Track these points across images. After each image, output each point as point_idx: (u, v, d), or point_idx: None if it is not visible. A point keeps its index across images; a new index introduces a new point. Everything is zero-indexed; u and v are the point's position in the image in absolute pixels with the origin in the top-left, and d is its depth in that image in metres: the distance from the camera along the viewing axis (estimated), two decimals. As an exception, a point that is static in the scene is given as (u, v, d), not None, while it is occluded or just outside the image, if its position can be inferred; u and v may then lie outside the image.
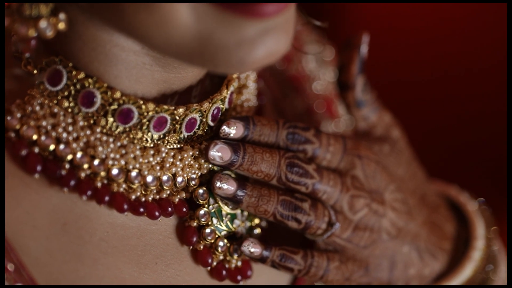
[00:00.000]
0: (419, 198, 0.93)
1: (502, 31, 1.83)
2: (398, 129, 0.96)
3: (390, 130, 0.95)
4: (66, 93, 0.74)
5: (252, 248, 0.82)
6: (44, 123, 0.74)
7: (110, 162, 0.75)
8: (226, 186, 0.80)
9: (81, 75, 0.74)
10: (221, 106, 0.81)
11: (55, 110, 0.74)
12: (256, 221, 0.84)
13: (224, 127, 0.80)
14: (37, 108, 0.74)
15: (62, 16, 0.71)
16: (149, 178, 0.76)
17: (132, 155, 0.75)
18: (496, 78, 1.90)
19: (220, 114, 0.81)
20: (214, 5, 0.67)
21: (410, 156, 0.95)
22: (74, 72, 0.74)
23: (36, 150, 0.74)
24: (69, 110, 0.74)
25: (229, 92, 0.81)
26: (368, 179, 0.86)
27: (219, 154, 0.79)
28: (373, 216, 0.86)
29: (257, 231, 0.84)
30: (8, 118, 0.73)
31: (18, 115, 0.74)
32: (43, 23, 0.70)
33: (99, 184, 0.75)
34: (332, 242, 0.85)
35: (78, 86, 0.74)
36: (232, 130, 0.80)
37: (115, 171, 0.75)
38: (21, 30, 0.70)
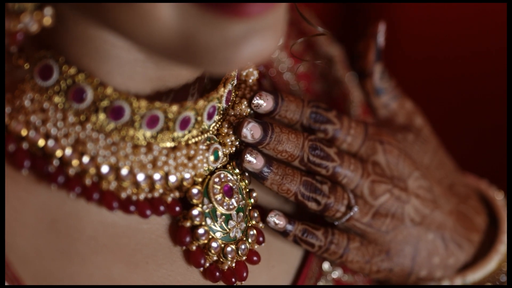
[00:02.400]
0: (446, 187, 0.93)
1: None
2: (421, 117, 0.96)
3: (413, 118, 0.96)
4: (56, 88, 0.73)
5: (277, 219, 0.84)
6: (33, 119, 0.73)
7: (100, 160, 0.74)
8: (255, 161, 0.81)
9: (72, 70, 0.73)
10: (218, 104, 0.79)
11: (45, 105, 0.73)
12: (253, 222, 0.82)
13: (257, 98, 0.82)
14: (27, 102, 0.73)
15: (48, 11, 0.70)
16: (140, 177, 0.75)
17: (123, 153, 0.74)
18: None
19: (216, 113, 0.80)
20: (197, 4, 0.66)
21: (436, 144, 0.96)
22: (65, 67, 0.73)
23: (25, 146, 0.73)
24: (60, 105, 0.73)
25: (226, 91, 0.80)
26: (390, 166, 0.87)
27: (251, 132, 0.81)
28: (396, 202, 0.87)
29: (253, 232, 0.82)
30: None
31: (8, 109, 0.73)
32: (25, 18, 0.69)
33: (88, 182, 0.74)
34: (352, 226, 0.86)
35: (69, 82, 0.73)
36: (264, 102, 0.82)
37: (104, 169, 0.74)
38: (6, 24, 0.69)
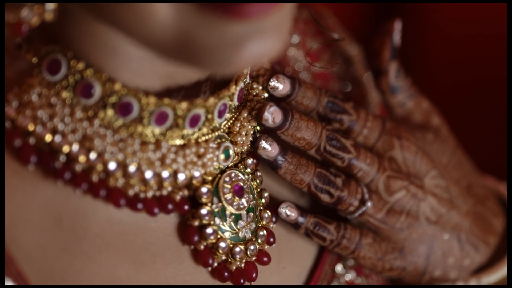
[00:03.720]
0: (464, 188, 0.91)
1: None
2: (438, 116, 0.95)
3: (430, 117, 0.95)
4: (64, 83, 0.72)
5: (288, 211, 0.83)
6: (40, 114, 0.72)
7: (108, 156, 0.73)
8: (270, 148, 0.81)
9: (81, 65, 0.72)
10: (229, 102, 0.78)
11: (53, 100, 0.72)
12: (263, 222, 0.81)
13: (273, 80, 0.81)
14: (34, 97, 0.72)
15: (49, 6, 0.69)
16: (148, 174, 0.74)
17: (130, 150, 0.73)
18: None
19: (227, 111, 0.78)
20: (195, 3, 0.64)
21: (455, 145, 0.94)
22: (73, 62, 0.72)
23: (32, 141, 0.72)
24: (67, 101, 0.72)
25: (238, 88, 0.79)
26: (407, 162, 0.86)
27: (273, 116, 0.80)
28: (411, 199, 0.85)
29: (263, 233, 0.81)
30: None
31: (15, 104, 0.72)
32: (24, 11, 0.68)
33: (95, 178, 0.73)
34: (365, 221, 0.85)
35: (77, 77, 0.72)
36: (280, 85, 0.82)
37: (112, 165, 0.73)
38: (6, 15, 0.68)
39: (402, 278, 0.90)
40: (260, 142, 0.81)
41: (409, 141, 0.87)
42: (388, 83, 0.94)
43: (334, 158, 0.83)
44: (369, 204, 0.84)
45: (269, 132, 0.82)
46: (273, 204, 0.83)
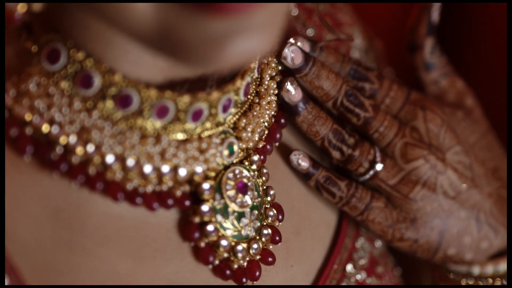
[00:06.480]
0: (489, 170, 0.89)
1: None
2: (472, 98, 0.93)
3: (463, 98, 0.92)
4: (64, 73, 0.71)
5: (301, 160, 0.82)
6: (37, 103, 0.70)
7: (105, 148, 0.71)
8: (294, 92, 0.81)
9: (80, 55, 0.70)
10: (234, 97, 0.76)
11: (51, 90, 0.70)
12: (268, 220, 0.79)
13: (291, 41, 0.81)
14: (32, 86, 0.70)
15: None
16: (147, 168, 0.72)
17: (129, 143, 0.71)
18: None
19: (231, 105, 0.76)
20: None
21: (487, 127, 0.92)
22: (73, 51, 0.70)
23: (28, 131, 0.70)
24: (66, 91, 0.71)
25: (244, 83, 0.76)
26: (430, 134, 0.85)
27: (292, 55, 0.80)
28: (429, 170, 0.84)
29: (268, 231, 0.78)
30: None
31: (12, 93, 0.71)
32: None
33: (92, 171, 0.71)
34: (377, 186, 0.84)
35: (77, 66, 0.70)
36: (299, 46, 0.81)
37: (109, 158, 0.71)
38: None
39: (415, 252, 0.87)
40: (286, 84, 0.81)
41: (434, 113, 0.85)
42: (422, 59, 0.92)
43: (350, 114, 0.83)
44: (378, 166, 0.83)
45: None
46: (287, 151, 0.83)
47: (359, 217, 0.84)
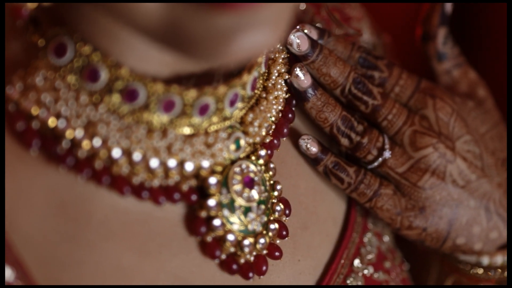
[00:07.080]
0: (500, 160, 0.89)
1: None
2: (485, 89, 0.93)
3: (476, 88, 0.92)
4: (70, 67, 0.71)
5: (309, 145, 0.82)
6: (44, 97, 0.70)
7: (112, 143, 0.71)
8: (303, 78, 0.81)
9: (87, 49, 0.70)
10: (241, 92, 0.75)
11: (57, 84, 0.70)
12: (275, 215, 0.78)
13: (298, 28, 0.81)
14: (38, 80, 0.70)
15: None
16: (153, 162, 0.72)
17: (135, 137, 0.71)
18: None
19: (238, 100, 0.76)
20: None
21: (498, 117, 0.92)
22: (79, 45, 0.70)
23: (35, 125, 0.70)
24: (73, 85, 0.71)
25: (251, 77, 0.76)
26: (439, 123, 0.84)
27: (298, 41, 0.80)
28: (438, 158, 0.84)
29: (275, 226, 0.78)
30: (8, 89, 0.70)
31: (19, 86, 0.71)
32: None
33: (98, 165, 0.71)
34: (386, 174, 0.84)
35: (83, 60, 0.70)
36: (306, 33, 0.81)
37: (116, 152, 0.71)
38: None
39: (423, 241, 0.87)
40: (295, 69, 0.81)
41: (444, 102, 0.85)
42: (435, 48, 0.92)
43: (358, 102, 0.83)
44: (386, 154, 0.83)
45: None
46: (296, 137, 0.83)
47: (367, 204, 0.84)
